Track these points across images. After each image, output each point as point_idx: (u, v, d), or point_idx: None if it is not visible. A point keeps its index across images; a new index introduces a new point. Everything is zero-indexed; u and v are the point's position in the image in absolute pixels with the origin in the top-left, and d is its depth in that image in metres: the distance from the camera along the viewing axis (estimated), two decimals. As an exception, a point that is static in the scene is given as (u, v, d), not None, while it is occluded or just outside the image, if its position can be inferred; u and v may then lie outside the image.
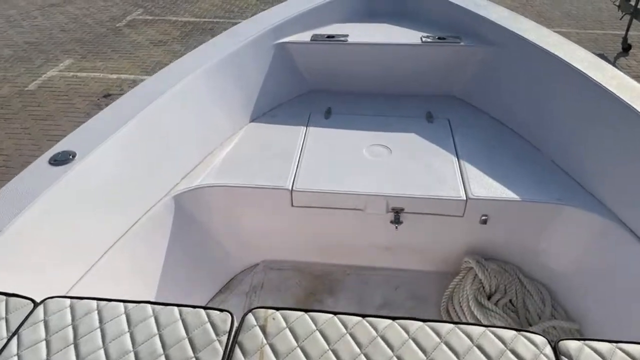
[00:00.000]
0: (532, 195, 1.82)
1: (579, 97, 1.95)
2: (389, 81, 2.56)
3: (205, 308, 1.11)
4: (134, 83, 4.52)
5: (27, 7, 6.67)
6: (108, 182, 1.61)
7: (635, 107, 1.70)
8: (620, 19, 5.10)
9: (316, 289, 2.01)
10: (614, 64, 4.56)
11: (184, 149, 1.95)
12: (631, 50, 4.92)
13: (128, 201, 1.67)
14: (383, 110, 2.42)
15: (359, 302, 1.97)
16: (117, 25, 6.00)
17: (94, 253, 1.54)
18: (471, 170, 1.95)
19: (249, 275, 2.09)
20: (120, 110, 1.78)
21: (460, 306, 1.81)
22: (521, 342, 1.00)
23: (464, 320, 1.78)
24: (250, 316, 1.08)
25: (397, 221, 1.88)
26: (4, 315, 1.09)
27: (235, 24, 2.66)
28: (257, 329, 1.05)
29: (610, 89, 1.81)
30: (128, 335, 1.04)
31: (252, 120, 2.34)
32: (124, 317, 1.09)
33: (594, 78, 1.88)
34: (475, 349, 0.99)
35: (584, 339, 1.01)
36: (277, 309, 1.10)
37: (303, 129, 2.25)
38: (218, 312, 1.10)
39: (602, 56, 2.09)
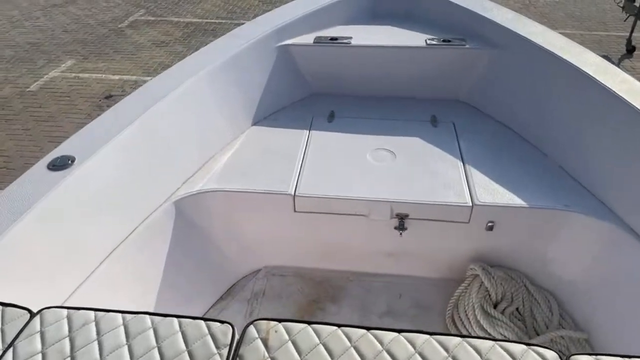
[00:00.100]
0: (539, 202, 1.78)
1: (587, 102, 1.91)
2: (393, 84, 2.53)
3: (205, 319, 1.08)
4: (136, 84, 4.51)
5: (29, 7, 6.66)
6: (107, 187, 1.58)
7: None
8: (625, 21, 5.06)
9: (318, 295, 1.98)
10: (618, 65, 4.52)
11: (184, 153, 1.92)
12: (635, 52, 4.88)
13: (128, 207, 1.65)
14: (387, 113, 2.39)
15: (362, 309, 1.94)
16: (119, 26, 5.99)
17: (93, 260, 1.52)
18: (477, 176, 1.92)
19: (250, 281, 2.06)
20: (120, 114, 1.75)
21: (466, 315, 1.77)
22: (531, 356, 0.96)
23: (470, 330, 1.75)
24: (251, 328, 1.05)
25: (401, 227, 1.85)
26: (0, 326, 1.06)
27: (238, 24, 2.64)
28: (259, 341, 1.02)
29: (619, 94, 1.78)
30: (126, 347, 1.02)
31: (254, 123, 2.31)
32: (122, 328, 1.06)
33: (603, 82, 1.85)
34: None
35: (595, 354, 0.97)
36: (280, 320, 1.07)
37: (306, 132, 2.22)
38: (219, 324, 1.07)
39: (606, 58, 2.06)
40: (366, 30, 2.62)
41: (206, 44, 2.35)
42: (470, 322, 1.75)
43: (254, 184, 1.88)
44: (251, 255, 2.07)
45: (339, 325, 1.05)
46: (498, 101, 2.35)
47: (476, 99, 2.46)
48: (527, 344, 1.00)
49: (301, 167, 1.98)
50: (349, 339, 1.01)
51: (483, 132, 2.24)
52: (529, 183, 1.89)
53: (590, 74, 1.90)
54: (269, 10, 2.65)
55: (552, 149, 2.05)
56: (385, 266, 2.04)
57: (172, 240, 1.78)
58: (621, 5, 4.85)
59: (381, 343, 1.00)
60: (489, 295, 1.81)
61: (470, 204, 1.79)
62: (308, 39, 2.49)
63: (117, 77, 4.69)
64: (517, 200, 1.79)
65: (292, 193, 1.84)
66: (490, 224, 1.83)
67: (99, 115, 1.80)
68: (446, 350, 0.98)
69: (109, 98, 4.30)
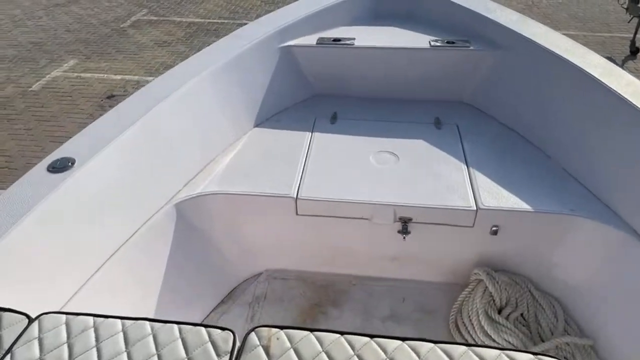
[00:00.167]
0: (544, 206, 1.76)
1: (592, 104, 1.89)
2: (397, 86, 2.51)
3: (206, 326, 1.06)
4: (138, 84, 4.50)
5: (31, 7, 6.66)
6: (108, 189, 1.56)
7: None
8: (629, 22, 5.03)
9: (321, 299, 1.96)
10: (622, 67, 4.50)
11: (186, 155, 1.90)
12: (639, 54, 4.85)
13: (128, 209, 1.63)
14: (390, 115, 2.37)
15: (364, 313, 1.92)
16: (122, 25, 5.98)
17: (92, 263, 1.50)
18: (481, 179, 1.90)
19: (252, 285, 2.04)
20: (121, 116, 1.74)
21: (470, 320, 1.75)
22: None
23: (473, 335, 1.73)
24: (253, 335, 1.04)
25: (404, 231, 1.83)
26: (-3, 331, 1.05)
27: (240, 25, 2.62)
28: (260, 349, 1.00)
29: (625, 97, 1.75)
30: (125, 355, 1.00)
31: (256, 125, 2.29)
32: (121, 335, 1.04)
33: (608, 84, 1.83)
34: None
35: None
36: (282, 327, 1.05)
37: (308, 134, 2.20)
38: (219, 331, 1.05)
39: (609, 59, 2.04)
40: (369, 31, 2.60)
41: (208, 44, 2.33)
42: (474, 328, 1.72)
43: (256, 186, 1.87)
44: (253, 258, 2.06)
45: (341, 333, 1.03)
46: (502, 103, 2.33)
47: (480, 101, 2.44)
48: (534, 353, 0.98)
49: (303, 169, 1.96)
50: (352, 347, 0.99)
51: (487, 134, 2.22)
52: (533, 186, 1.87)
53: (596, 76, 1.88)
54: (271, 11, 2.63)
55: (556, 151, 2.03)
56: (389, 270, 2.02)
57: (173, 243, 1.77)
58: (625, 6, 4.82)
59: (385, 351, 0.98)
60: (493, 301, 1.79)
61: (475, 208, 1.76)
62: (311, 39, 2.48)
63: (119, 77, 4.68)
64: (522, 204, 1.77)
65: (295, 196, 1.82)
66: (494, 228, 1.80)
67: (101, 115, 1.78)
68: (451, 359, 0.96)
69: (111, 98, 4.29)
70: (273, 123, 2.31)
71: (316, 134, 2.20)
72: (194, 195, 1.82)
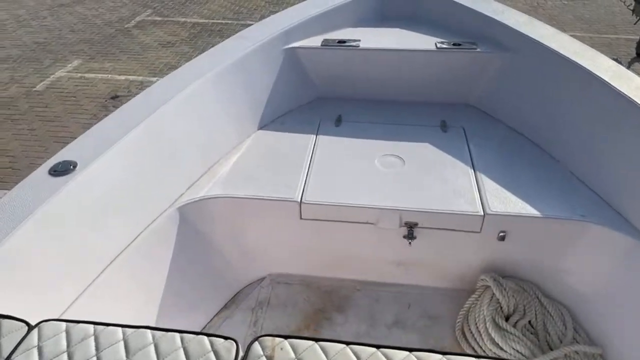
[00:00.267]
0: (554, 211, 1.73)
1: (601, 107, 1.86)
2: (402, 88, 2.48)
3: (208, 335, 1.04)
4: (142, 84, 4.49)
5: (36, 7, 6.67)
6: (110, 193, 1.54)
7: None
8: (635, 24, 4.98)
9: (325, 305, 1.94)
10: (628, 69, 4.47)
11: (189, 158, 1.88)
12: (646, 56, 4.82)
13: (130, 213, 1.61)
14: (395, 118, 2.34)
15: (369, 319, 1.89)
16: (126, 26, 5.98)
17: (94, 268, 1.48)
18: (488, 183, 1.87)
19: (255, 289, 2.01)
20: (124, 118, 1.72)
21: (477, 327, 1.72)
22: None
23: (480, 343, 1.70)
24: (256, 345, 1.01)
25: (410, 236, 1.80)
26: (-4, 339, 1.03)
27: (244, 25, 2.60)
28: (264, 359, 0.98)
29: (636, 100, 1.72)
30: (126, 364, 0.98)
31: (260, 127, 2.27)
32: (122, 343, 1.02)
33: (619, 88, 1.80)
34: None
35: None
36: (286, 337, 1.03)
37: (312, 137, 2.18)
38: (222, 340, 1.03)
39: (616, 61, 2.01)
40: (374, 32, 2.57)
41: (212, 45, 2.31)
42: (481, 336, 1.69)
43: (260, 190, 1.84)
44: (256, 262, 2.03)
45: (347, 343, 1.01)
46: (509, 106, 2.30)
47: (487, 104, 2.41)
48: None
49: (308, 173, 1.94)
50: (358, 358, 0.97)
51: (494, 137, 2.19)
52: (542, 191, 1.83)
53: (605, 79, 1.85)
54: (275, 11, 2.62)
55: (565, 155, 2.00)
56: (394, 276, 2.00)
57: (176, 247, 1.75)
58: (631, 8, 4.79)
59: None
60: (501, 308, 1.76)
61: (482, 213, 1.73)
62: (316, 41, 2.45)
63: (123, 77, 4.67)
64: (530, 210, 1.74)
65: (299, 200, 1.80)
66: (502, 234, 1.77)
67: (104, 115, 1.76)
68: None
69: (115, 98, 4.28)
70: (277, 125, 2.29)
71: (321, 137, 2.18)
72: (197, 199, 1.80)
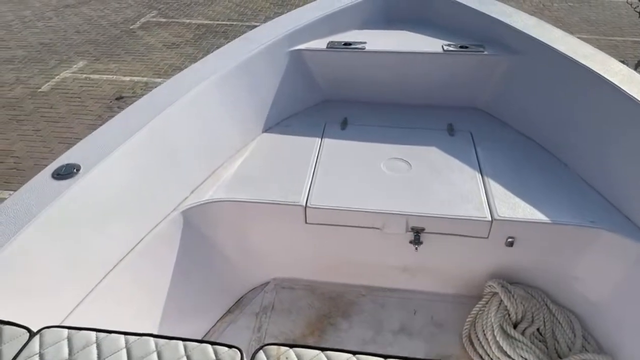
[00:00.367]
0: (563, 217, 1.70)
1: (611, 112, 1.83)
2: (409, 91, 2.46)
3: (212, 343, 1.02)
4: (147, 85, 4.48)
5: (41, 8, 6.69)
6: (113, 196, 1.53)
7: None
8: (642, 26, 4.95)
9: (330, 311, 1.92)
10: (634, 70, 4.43)
11: (193, 161, 1.86)
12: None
13: (134, 217, 1.59)
14: (402, 121, 2.32)
15: (375, 326, 1.86)
16: (131, 27, 5.98)
17: (98, 272, 1.47)
18: (496, 188, 1.84)
19: (259, 294, 1.99)
20: (128, 121, 1.70)
21: (484, 335, 1.69)
22: None
23: (488, 351, 1.67)
24: (261, 354, 0.99)
25: (416, 241, 1.78)
26: (-2, 346, 1.02)
27: (249, 27, 2.59)
28: (269, 369, 0.96)
29: None
30: (128, 373, 0.96)
31: (265, 130, 2.25)
32: (124, 351, 1.00)
33: (629, 92, 1.77)
34: None
35: None
36: (291, 346, 1.01)
37: (318, 140, 2.16)
38: (226, 349, 1.01)
39: (622, 63, 1.99)
40: (380, 35, 2.55)
41: (217, 46, 2.30)
42: (488, 343, 1.67)
43: (264, 194, 1.82)
44: (260, 267, 2.01)
45: (354, 353, 0.99)
46: (517, 110, 2.27)
47: (494, 107, 2.38)
48: None
49: (313, 176, 1.92)
50: (365, 369, 0.95)
51: (501, 141, 2.16)
52: (550, 196, 1.80)
53: (615, 83, 1.82)
54: (280, 13, 2.60)
55: (574, 160, 1.97)
56: (400, 281, 1.97)
57: (180, 251, 1.73)
58: (637, 10, 4.74)
59: None
60: (509, 315, 1.73)
61: (490, 219, 1.71)
62: (321, 43, 2.43)
63: (128, 78, 4.67)
64: (539, 215, 1.71)
65: (304, 204, 1.78)
66: (510, 240, 1.75)
67: (109, 116, 1.75)
68: None
69: (120, 99, 4.28)
70: (282, 128, 2.27)
71: (326, 140, 2.16)
72: (201, 203, 1.78)
